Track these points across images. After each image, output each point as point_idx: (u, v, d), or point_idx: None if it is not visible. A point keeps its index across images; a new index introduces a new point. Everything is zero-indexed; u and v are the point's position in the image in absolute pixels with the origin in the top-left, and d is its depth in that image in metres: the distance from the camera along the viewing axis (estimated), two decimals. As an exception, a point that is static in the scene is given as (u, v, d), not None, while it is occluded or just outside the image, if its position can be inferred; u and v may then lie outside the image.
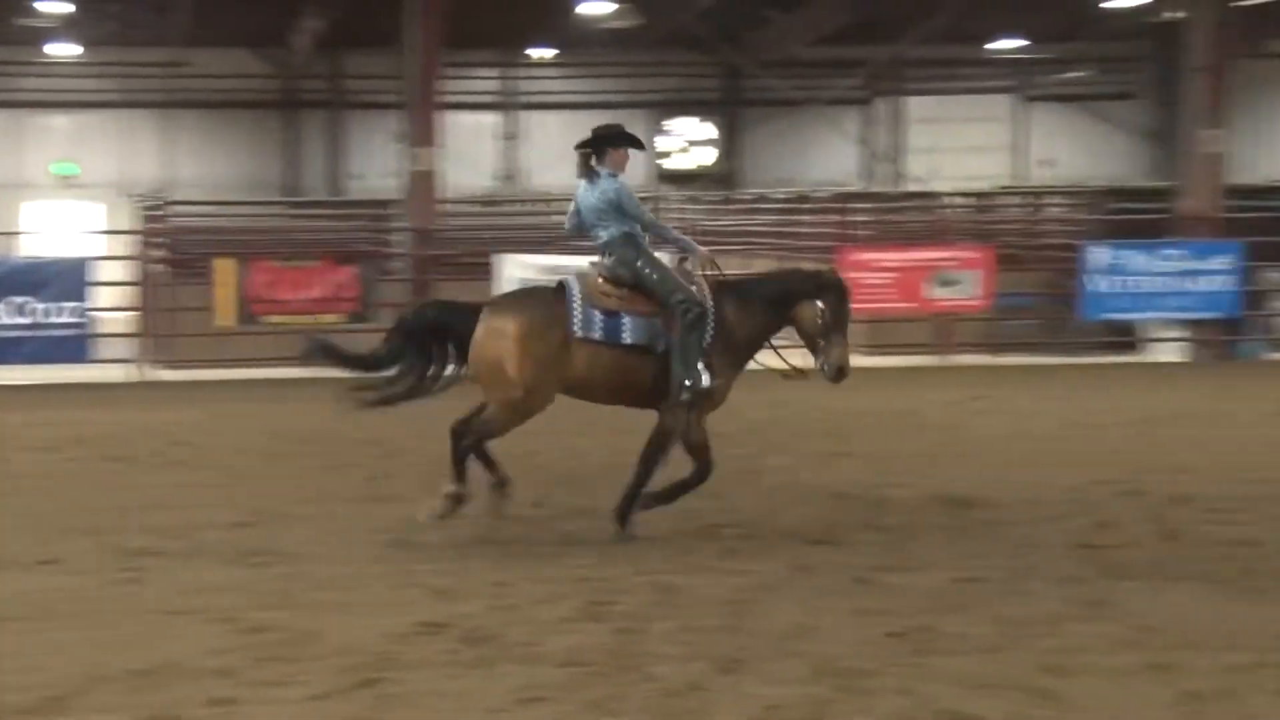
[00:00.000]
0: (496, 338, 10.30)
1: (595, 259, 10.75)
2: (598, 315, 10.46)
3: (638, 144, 10.87)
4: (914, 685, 7.37)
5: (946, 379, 20.67)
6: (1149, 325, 23.03)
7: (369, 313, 21.80)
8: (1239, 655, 7.73)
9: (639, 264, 10.58)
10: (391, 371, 10.49)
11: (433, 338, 10.49)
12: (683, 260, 10.78)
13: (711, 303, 10.56)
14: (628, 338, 10.48)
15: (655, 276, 10.56)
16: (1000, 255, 23.46)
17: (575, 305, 10.45)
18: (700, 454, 10.63)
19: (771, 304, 10.78)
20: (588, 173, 10.70)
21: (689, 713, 7.07)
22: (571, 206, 10.90)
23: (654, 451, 10.58)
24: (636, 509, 10.55)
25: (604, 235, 10.67)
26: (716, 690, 7.35)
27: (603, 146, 10.72)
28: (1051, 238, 26.76)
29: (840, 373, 10.76)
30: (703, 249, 10.95)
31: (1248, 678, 7.43)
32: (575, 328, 10.40)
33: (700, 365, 10.47)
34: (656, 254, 10.76)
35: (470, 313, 10.46)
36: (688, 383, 10.44)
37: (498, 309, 10.47)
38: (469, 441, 10.38)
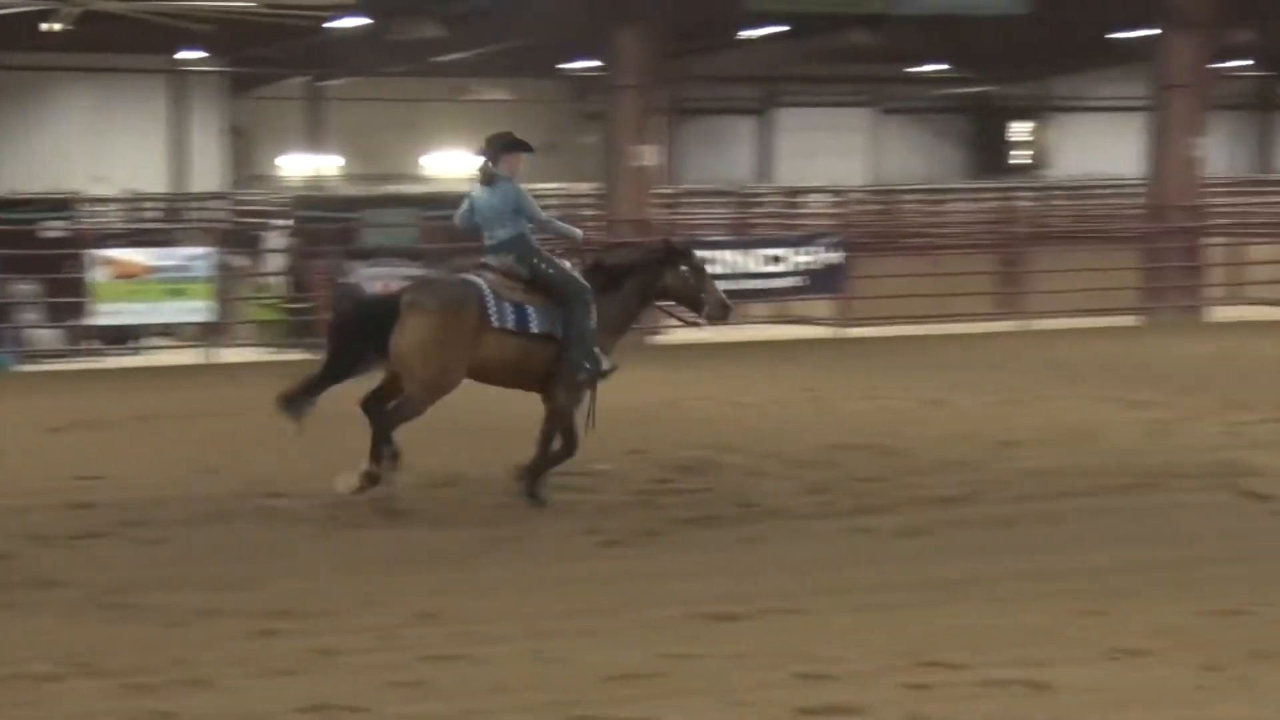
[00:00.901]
0: (419, 324, 11.22)
1: (486, 259, 11.71)
2: (508, 306, 11.46)
3: (529, 149, 11.92)
4: None
5: None
6: None
7: None
8: (-5, 669, 7.65)
9: (535, 261, 11.65)
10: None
11: (364, 336, 11.34)
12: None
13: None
14: (534, 327, 11.50)
15: (551, 271, 11.65)
16: None
17: (488, 296, 11.42)
18: (569, 429, 11.62)
19: (642, 285, 12.05)
20: (488, 178, 11.66)
21: None
22: (464, 205, 11.87)
23: (565, 431, 11.59)
24: (543, 481, 11.57)
25: (501, 235, 11.68)
26: None
27: (498, 154, 11.70)
28: None
29: (726, 309, 12.28)
30: (578, 232, 12.34)
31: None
32: (491, 317, 11.39)
33: (596, 349, 11.57)
34: (545, 250, 11.80)
35: (390, 306, 11.37)
36: (588, 365, 11.55)
37: (417, 299, 11.34)
38: (387, 424, 11.22)
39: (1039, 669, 7.46)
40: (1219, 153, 43.05)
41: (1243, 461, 12.99)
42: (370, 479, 11.24)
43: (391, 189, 36.48)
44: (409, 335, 11.26)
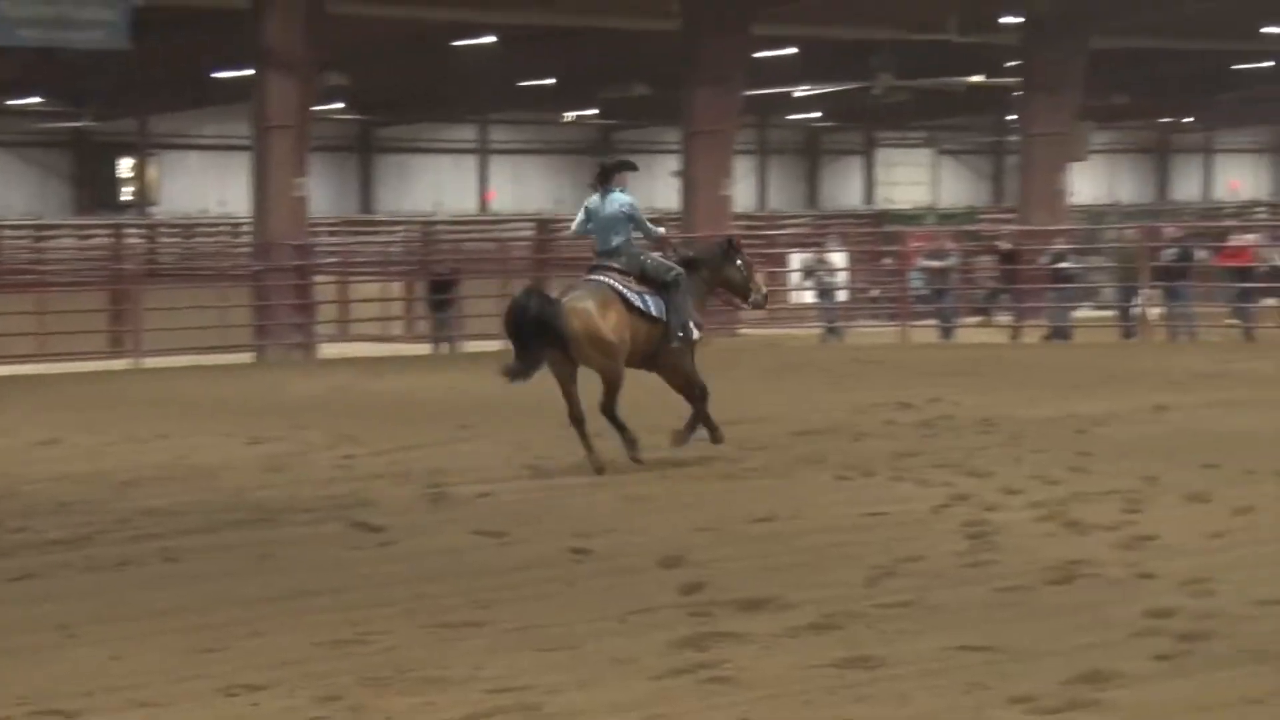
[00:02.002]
0: (589, 318, 13.98)
1: (601, 261, 14.48)
2: (636, 295, 14.21)
3: (634, 167, 15.04)
4: None
5: None
6: None
7: None
8: None
9: (641, 258, 14.49)
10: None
11: (534, 331, 13.86)
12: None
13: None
14: (654, 311, 14.30)
15: (653, 263, 14.51)
16: None
17: (623, 289, 14.19)
18: (696, 384, 14.67)
19: (711, 273, 15.08)
20: (604, 191, 14.47)
21: None
22: (581, 215, 14.71)
23: (695, 391, 14.61)
24: (697, 428, 14.58)
25: (615, 241, 14.45)
26: None
27: (612, 174, 14.62)
28: None
29: (766, 298, 16.02)
30: (663, 230, 15.51)
31: None
32: (633, 301, 14.16)
33: (689, 322, 14.50)
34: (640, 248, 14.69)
35: (554, 307, 14.00)
36: (681, 334, 14.42)
37: (579, 300, 14.10)
38: (611, 414, 14.14)
39: (156, 710, 7.42)
40: (324, 193, 44.19)
41: (355, 494, 13.39)
42: (636, 460, 14.23)
43: None
44: (584, 327, 14.05)
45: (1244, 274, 30.18)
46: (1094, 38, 38.84)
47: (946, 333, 31.20)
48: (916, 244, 34.17)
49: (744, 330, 33.18)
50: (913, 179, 60.56)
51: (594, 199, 14.68)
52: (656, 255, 14.87)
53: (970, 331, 31.77)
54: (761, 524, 11.75)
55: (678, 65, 34.65)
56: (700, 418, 14.71)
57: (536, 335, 13.93)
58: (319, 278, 30.55)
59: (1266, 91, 50.59)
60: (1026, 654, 8.05)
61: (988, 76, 45.41)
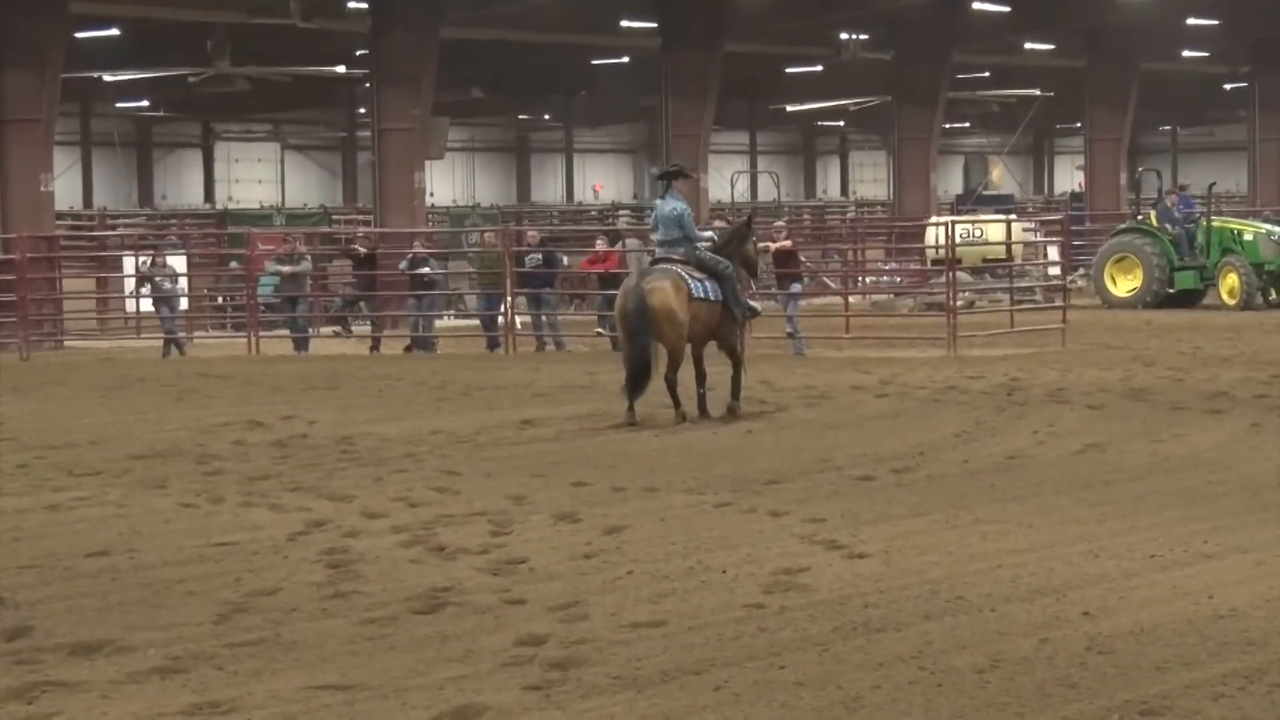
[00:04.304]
0: (665, 297, 18.33)
1: (662, 252, 19.29)
2: (696, 283, 18.66)
3: (689, 174, 20.74)
4: None
5: None
6: None
7: None
8: None
9: (697, 252, 19.01)
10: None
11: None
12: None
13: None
14: (713, 295, 18.82)
15: (707, 257, 19.01)
16: None
17: (687, 278, 18.62)
18: (738, 355, 19.29)
19: (739, 254, 19.68)
20: (665, 192, 19.35)
21: None
22: (653, 213, 19.97)
23: (739, 363, 19.19)
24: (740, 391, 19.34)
25: (673, 235, 19.06)
26: None
27: (672, 179, 19.46)
28: None
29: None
30: (704, 233, 20.37)
31: None
32: (694, 291, 18.61)
33: (745, 300, 19.73)
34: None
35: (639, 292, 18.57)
36: (743, 313, 19.40)
37: (656, 280, 18.56)
38: (670, 375, 18.41)
39: None
40: None
41: None
42: (683, 416, 18.62)
43: None
44: (661, 304, 18.23)
45: (612, 281, 31.07)
46: (446, 27, 39.52)
47: (300, 344, 31.17)
48: (266, 247, 34.01)
49: (73, 343, 32.37)
50: (258, 175, 60.29)
51: (659, 202, 19.53)
52: (705, 250, 19.10)
53: (326, 342, 31.84)
54: (95, 558, 11.48)
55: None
56: (739, 381, 19.15)
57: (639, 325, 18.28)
58: None
59: (625, 88, 52.56)
60: (392, 690, 8.15)
61: (336, 66, 45.63)
